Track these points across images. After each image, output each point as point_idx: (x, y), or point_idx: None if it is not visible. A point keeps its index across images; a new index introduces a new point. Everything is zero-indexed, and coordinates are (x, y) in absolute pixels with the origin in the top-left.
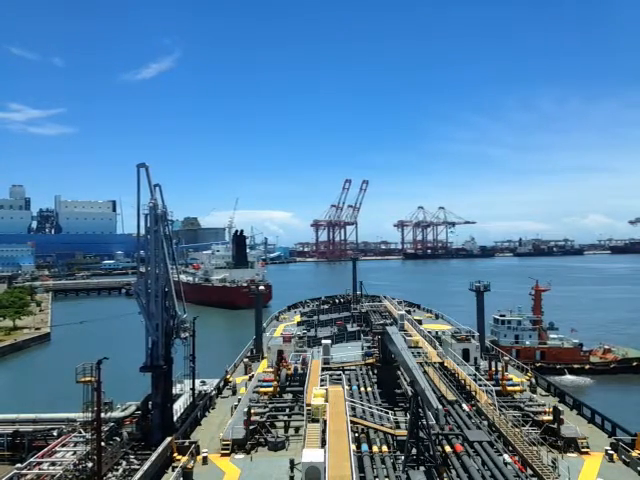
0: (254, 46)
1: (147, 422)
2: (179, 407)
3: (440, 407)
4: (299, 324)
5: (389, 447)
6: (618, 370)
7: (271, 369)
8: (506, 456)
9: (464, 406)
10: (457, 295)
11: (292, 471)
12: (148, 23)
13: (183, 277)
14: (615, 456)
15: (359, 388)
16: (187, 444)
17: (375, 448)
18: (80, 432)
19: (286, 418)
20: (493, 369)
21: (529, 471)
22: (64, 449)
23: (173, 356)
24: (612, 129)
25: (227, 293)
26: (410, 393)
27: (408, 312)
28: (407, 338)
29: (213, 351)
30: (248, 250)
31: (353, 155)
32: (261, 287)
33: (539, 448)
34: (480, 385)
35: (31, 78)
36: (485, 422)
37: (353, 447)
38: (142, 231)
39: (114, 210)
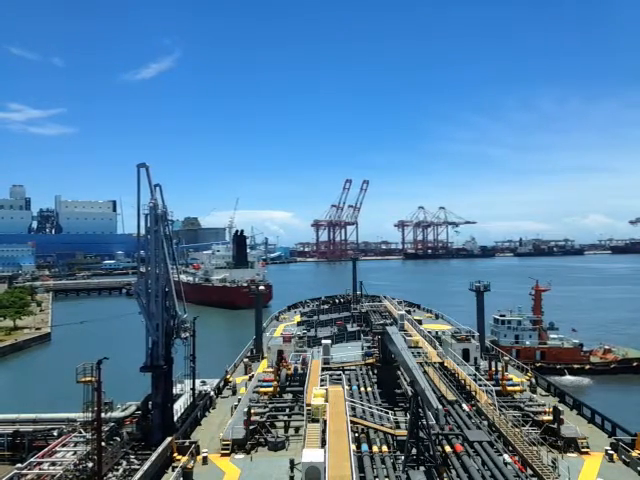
0: (254, 46)
1: (147, 422)
2: (179, 407)
3: (440, 407)
4: (299, 324)
5: (389, 447)
6: (618, 370)
7: (271, 369)
8: (506, 456)
9: (464, 406)
10: (457, 295)
11: (292, 471)
12: (148, 23)
13: (183, 277)
14: (615, 456)
15: (359, 388)
16: (187, 444)
17: (375, 448)
18: (80, 432)
19: (286, 418)
20: (493, 369)
21: (529, 471)
22: (64, 449)
23: (173, 356)
24: (612, 129)
25: (227, 293)
26: (410, 393)
27: (408, 312)
28: (407, 338)
29: (213, 351)
30: (248, 250)
31: (353, 155)
32: (261, 287)
33: (539, 448)
34: (480, 385)
35: (31, 78)
36: (485, 422)
37: (353, 447)
38: (142, 231)
39: (114, 210)
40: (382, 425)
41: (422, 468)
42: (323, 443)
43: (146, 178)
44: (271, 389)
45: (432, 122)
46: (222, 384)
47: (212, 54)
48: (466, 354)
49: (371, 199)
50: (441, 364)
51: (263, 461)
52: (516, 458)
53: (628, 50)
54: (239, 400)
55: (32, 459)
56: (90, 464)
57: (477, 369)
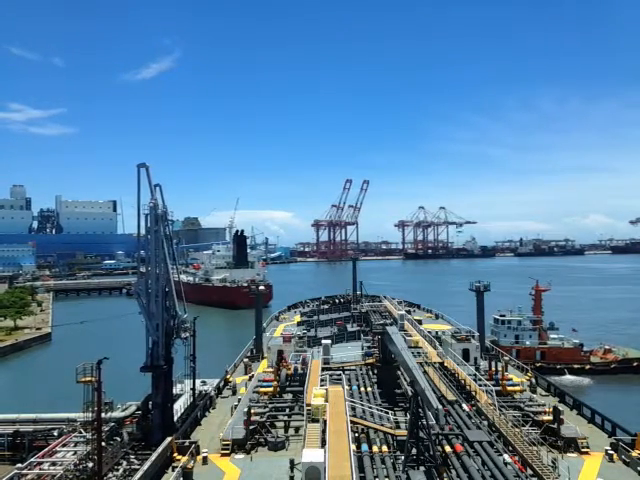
0: (254, 46)
1: (147, 422)
2: (179, 407)
3: (440, 407)
4: (299, 324)
5: (389, 447)
6: (618, 370)
7: (271, 369)
8: (506, 456)
9: (464, 406)
10: (457, 295)
11: (292, 471)
12: (148, 23)
13: (183, 277)
14: (615, 456)
15: (359, 388)
16: (187, 444)
17: (375, 448)
18: (80, 432)
19: (286, 418)
20: (493, 369)
21: (529, 471)
22: (64, 449)
23: (173, 356)
24: (612, 129)
25: (227, 293)
26: (410, 393)
27: (408, 312)
28: (407, 338)
29: (213, 351)
30: (249, 250)
31: (353, 155)
32: (261, 287)
33: (539, 448)
34: (480, 385)
35: (31, 78)
36: (485, 422)
37: (353, 447)
38: (142, 231)
39: (115, 210)
40: (382, 425)
41: (422, 468)
42: (323, 443)
43: (146, 178)
44: (271, 389)
45: (432, 122)
46: (222, 384)
47: (212, 54)
48: (466, 354)
49: (371, 199)
50: (441, 364)
51: (263, 461)
52: (516, 458)
53: (628, 50)
54: (239, 400)
55: (32, 459)
56: (90, 464)
57: (477, 369)
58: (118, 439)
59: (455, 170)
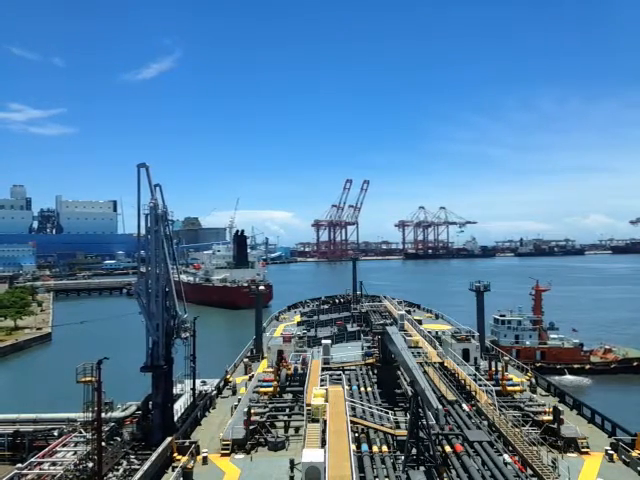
0: (254, 46)
1: (147, 422)
2: (179, 407)
3: (440, 407)
4: (299, 324)
5: (389, 447)
6: (618, 370)
7: (271, 369)
8: (506, 456)
9: (464, 406)
10: (457, 295)
11: (292, 471)
12: (148, 23)
13: (184, 277)
14: (615, 456)
15: (359, 388)
16: (187, 444)
17: (375, 448)
18: (81, 432)
19: (286, 418)
20: (493, 369)
21: (529, 471)
22: (65, 449)
23: (174, 356)
24: (612, 129)
25: (228, 293)
26: (410, 393)
27: (408, 312)
28: (407, 338)
29: (213, 351)
30: (249, 250)
31: (353, 155)
32: (261, 287)
33: (539, 448)
34: (480, 385)
35: (31, 78)
36: (485, 422)
37: (353, 447)
38: (143, 231)
39: (115, 210)
40: (382, 425)
41: (422, 468)
42: (323, 443)
43: (146, 178)
44: (271, 389)
45: (432, 122)
46: (222, 384)
47: (212, 54)
48: (466, 354)
49: (371, 199)
50: (441, 364)
51: (263, 461)
52: (516, 458)
53: (628, 50)
54: (239, 400)
55: (32, 459)
56: (90, 464)
57: (477, 369)
58: (118, 439)
59: (455, 170)
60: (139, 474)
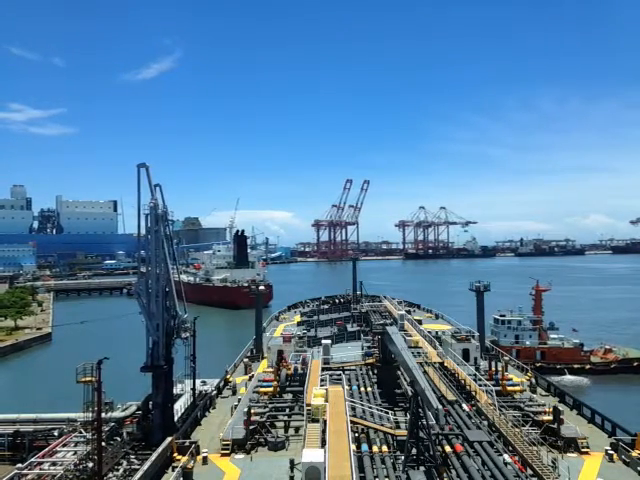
0: (254, 46)
1: (148, 422)
2: (180, 407)
3: (440, 407)
4: (299, 324)
5: (389, 447)
6: (618, 370)
7: (271, 369)
8: (506, 456)
9: (464, 406)
10: (457, 295)
11: (292, 471)
12: (148, 23)
13: (184, 277)
14: (615, 456)
15: (359, 388)
16: (187, 444)
17: (375, 448)
18: (81, 432)
19: (286, 418)
20: (493, 369)
21: (529, 471)
22: (65, 449)
23: (174, 356)
24: (612, 129)
25: (228, 293)
26: (410, 393)
27: (408, 312)
28: (407, 338)
29: (213, 351)
30: (249, 250)
31: (353, 155)
32: (261, 287)
33: (539, 448)
34: (480, 385)
35: (31, 78)
36: (485, 422)
37: (353, 447)
38: (143, 231)
39: (115, 210)
40: (382, 425)
41: (422, 468)
42: (323, 443)
43: (146, 178)
44: (271, 389)
45: (432, 122)
46: (222, 384)
47: (212, 54)
48: (466, 354)
49: (371, 199)
50: (441, 364)
51: (263, 461)
52: (516, 458)
53: (628, 50)
54: (239, 400)
55: (32, 459)
56: (90, 464)
57: (477, 369)
58: (118, 439)
59: (455, 170)
60: (139, 474)
